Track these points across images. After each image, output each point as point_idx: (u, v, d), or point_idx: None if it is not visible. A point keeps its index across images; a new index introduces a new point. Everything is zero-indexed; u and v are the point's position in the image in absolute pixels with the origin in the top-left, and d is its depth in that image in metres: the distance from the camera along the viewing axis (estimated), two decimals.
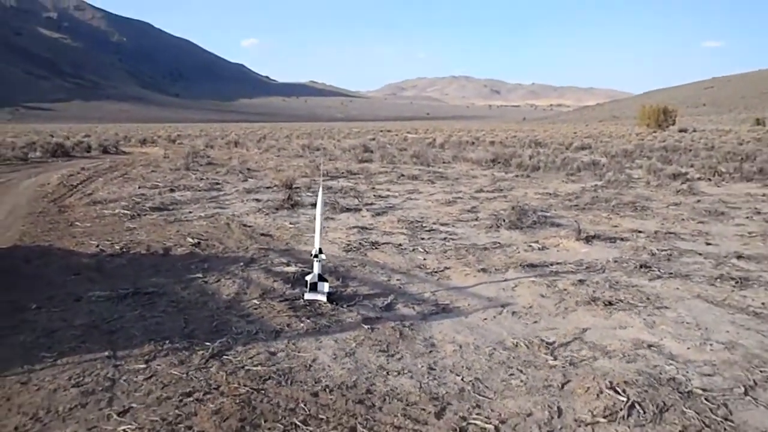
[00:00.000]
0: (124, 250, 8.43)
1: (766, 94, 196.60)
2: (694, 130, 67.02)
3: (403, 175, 18.53)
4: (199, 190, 15.10)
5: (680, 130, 65.79)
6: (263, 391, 4.06)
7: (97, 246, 8.64)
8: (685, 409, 3.80)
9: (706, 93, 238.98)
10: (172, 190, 14.97)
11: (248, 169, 20.94)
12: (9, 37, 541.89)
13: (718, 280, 6.87)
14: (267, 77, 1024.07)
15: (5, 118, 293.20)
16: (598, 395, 3.97)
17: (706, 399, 3.94)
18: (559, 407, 3.88)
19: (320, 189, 6.40)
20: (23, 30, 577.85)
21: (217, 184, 16.49)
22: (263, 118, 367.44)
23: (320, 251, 6.09)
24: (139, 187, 15.51)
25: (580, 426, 3.65)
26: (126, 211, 11.56)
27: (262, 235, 9.60)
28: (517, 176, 18.92)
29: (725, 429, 3.59)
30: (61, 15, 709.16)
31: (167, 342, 4.89)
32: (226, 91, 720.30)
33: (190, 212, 11.76)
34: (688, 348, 4.86)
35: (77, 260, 7.88)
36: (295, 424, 3.64)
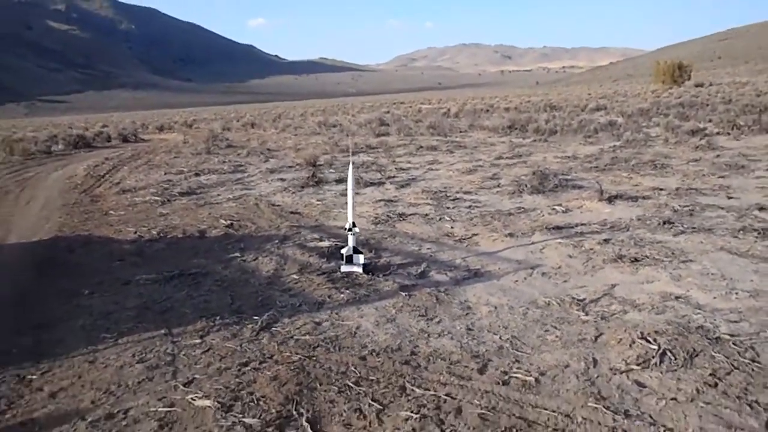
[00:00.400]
0: (162, 234, 8.74)
1: None
2: (711, 84, 66.19)
3: (421, 147, 18.68)
4: (224, 173, 15.39)
5: (696, 85, 65.04)
6: (314, 358, 4.34)
7: (135, 232, 8.96)
8: (714, 354, 4.02)
9: (721, 46, 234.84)
10: (197, 175, 15.27)
11: (268, 149, 21.20)
12: (20, 31, 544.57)
13: (741, 232, 7.04)
14: (277, 56, 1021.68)
15: (22, 112, 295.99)
16: (630, 345, 4.20)
17: (733, 344, 4.16)
18: (594, 358, 4.12)
19: (350, 164, 6.61)
20: (33, 24, 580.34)
21: (240, 166, 16.76)
22: (275, 98, 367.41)
23: (354, 224, 6.34)
24: (164, 174, 15.82)
25: (615, 374, 3.89)
26: (156, 198, 11.88)
27: (291, 213, 9.87)
28: (534, 141, 19.02)
29: (753, 369, 3.81)
30: (70, 6, 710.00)
31: (218, 318, 5.18)
32: (237, 72, 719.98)
33: (218, 195, 12.06)
34: (714, 298, 5.07)
35: (118, 247, 8.21)
36: (348, 385, 3.92)
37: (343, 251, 6.40)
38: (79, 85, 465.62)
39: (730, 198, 8.98)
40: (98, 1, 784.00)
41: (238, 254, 7.37)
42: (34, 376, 4.32)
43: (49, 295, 6.20)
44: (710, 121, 20.97)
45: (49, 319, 5.43)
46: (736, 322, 4.54)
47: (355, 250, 6.33)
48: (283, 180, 13.45)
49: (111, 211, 10.94)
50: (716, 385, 3.66)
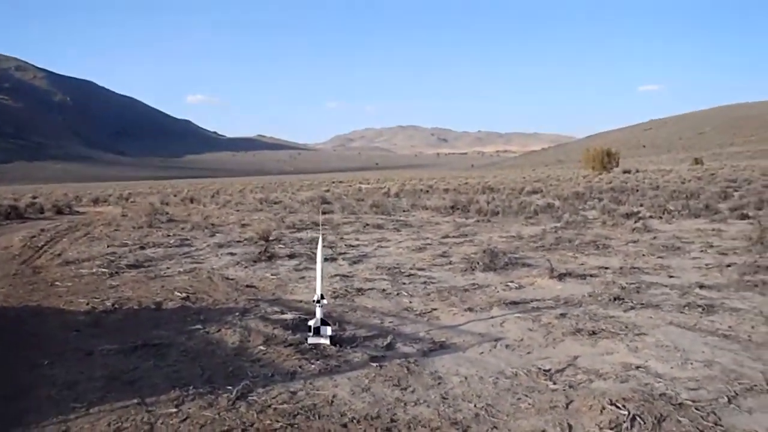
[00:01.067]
0: (116, 306, 8.60)
1: (702, 134, 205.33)
2: (637, 171, 69.66)
3: (368, 225, 18.95)
4: (170, 247, 15.23)
5: (624, 171, 68.29)
6: (296, 426, 4.38)
7: (87, 304, 8.79)
8: (680, 418, 4.27)
9: (646, 135, 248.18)
10: (142, 248, 15.07)
11: (212, 224, 21.07)
12: None
13: (686, 307, 7.46)
14: (215, 132, 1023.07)
15: None
16: (601, 411, 4.41)
17: (696, 408, 4.43)
18: (568, 423, 4.30)
19: (320, 237, 6.79)
20: None
21: (186, 240, 16.62)
22: (213, 174, 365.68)
23: (322, 296, 6.44)
24: (107, 246, 15.54)
25: None
26: (103, 270, 11.67)
27: (247, 286, 9.87)
28: (478, 221, 19.55)
29: None
30: (2, 76, 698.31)
31: (191, 387, 5.15)
32: (173, 147, 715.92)
33: (168, 268, 11.94)
34: (672, 367, 5.37)
35: (72, 318, 8.03)
36: None
37: (311, 323, 6.46)
38: (7, 155, 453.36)
39: (671, 277, 9.49)
40: (32, 71, 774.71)
41: (199, 326, 7.32)
42: None
43: (7, 365, 6.03)
44: (641, 205, 22.07)
45: (12, 390, 5.28)
46: (695, 389, 4.82)
47: (323, 322, 6.41)
48: (233, 254, 13.42)
49: (57, 282, 10.69)
50: None
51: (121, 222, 23.15)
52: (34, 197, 46.21)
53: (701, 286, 8.63)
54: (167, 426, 4.43)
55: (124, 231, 19.52)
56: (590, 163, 77.04)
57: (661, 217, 18.22)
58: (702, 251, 11.79)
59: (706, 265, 10.36)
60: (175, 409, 4.72)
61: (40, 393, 5.18)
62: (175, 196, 45.38)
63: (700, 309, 7.35)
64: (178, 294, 9.24)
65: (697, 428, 4.12)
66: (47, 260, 13.68)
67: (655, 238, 13.76)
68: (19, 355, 6.34)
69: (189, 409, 4.73)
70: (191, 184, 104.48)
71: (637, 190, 30.93)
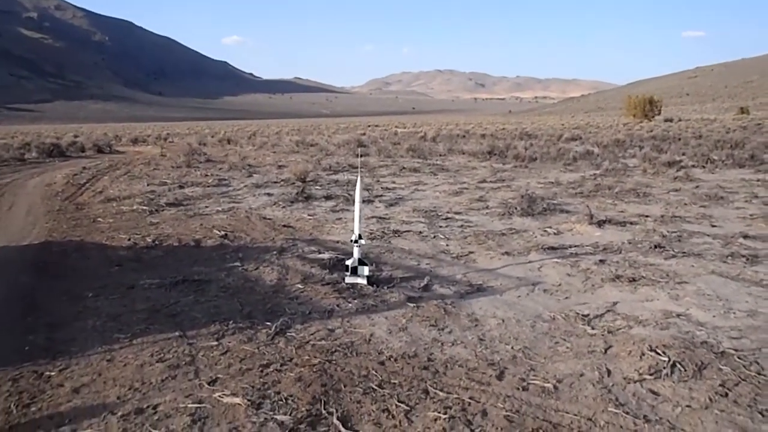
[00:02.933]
0: (157, 242, 8.75)
1: (749, 83, 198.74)
2: (680, 120, 67.81)
3: (404, 168, 18.86)
4: (208, 186, 15.39)
5: (666, 120, 66.56)
6: (334, 362, 4.43)
7: (129, 239, 8.96)
8: (721, 366, 4.21)
9: (690, 83, 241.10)
10: (181, 187, 15.25)
11: (249, 165, 21.20)
12: None
13: (729, 257, 7.30)
14: (251, 74, 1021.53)
15: None
16: (640, 357, 4.37)
17: (738, 358, 4.36)
18: (607, 368, 4.28)
19: (359, 177, 6.73)
20: (3, 31, 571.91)
21: (224, 180, 16.76)
22: (249, 115, 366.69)
23: (360, 236, 6.45)
24: (147, 184, 15.76)
25: (629, 383, 4.05)
26: (144, 207, 11.85)
27: (284, 226, 9.93)
28: (515, 167, 19.32)
29: (760, 381, 4.00)
30: (42, 15, 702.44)
31: (230, 322, 5.25)
32: (210, 88, 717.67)
33: (207, 207, 12.07)
34: (714, 316, 5.28)
35: (114, 253, 8.20)
36: (372, 387, 4.01)
37: (348, 262, 6.50)
38: (49, 95, 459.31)
39: (714, 226, 9.28)
40: (72, 10, 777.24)
41: (238, 263, 7.42)
42: (52, 373, 4.34)
43: (53, 296, 6.20)
44: (684, 154, 21.51)
45: (59, 320, 5.44)
46: (737, 338, 4.74)
47: (360, 262, 6.43)
48: (270, 195, 13.50)
49: (99, 219, 10.90)
50: (727, 394, 3.84)
51: (160, 161, 23.44)
52: (76, 136, 46.88)
53: (745, 236, 8.43)
54: (208, 358, 4.52)
55: (163, 170, 19.77)
56: (631, 110, 75.25)
57: (704, 167, 17.79)
58: (746, 201, 11.50)
59: (751, 215, 10.10)
60: (215, 342, 4.82)
61: (84, 324, 5.32)
62: (212, 137, 45.61)
63: (743, 259, 7.19)
64: (217, 232, 9.34)
65: (739, 377, 4.05)
66: (89, 197, 13.94)
67: (697, 187, 13.45)
68: (64, 287, 6.51)
69: (229, 342, 4.82)
70: (228, 125, 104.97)
71: (680, 139, 30.17)
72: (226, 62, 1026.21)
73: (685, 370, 4.16)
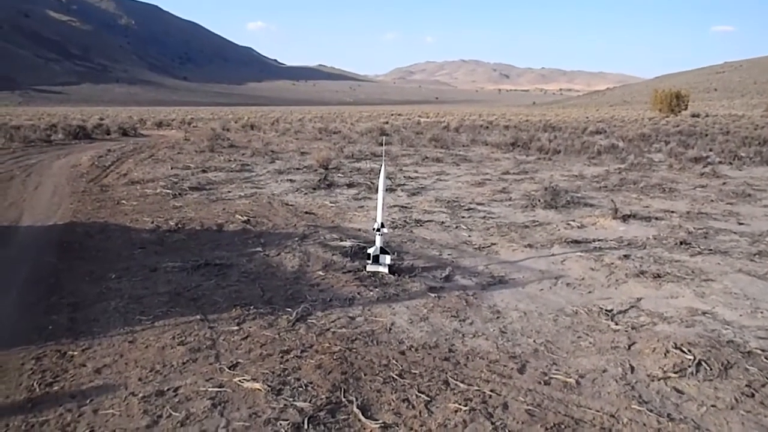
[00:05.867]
0: (179, 226, 8.79)
1: None
2: (707, 115, 66.83)
3: (427, 158, 18.78)
4: (231, 171, 15.44)
5: (693, 115, 65.68)
6: (354, 350, 4.42)
7: (152, 222, 9.02)
8: (747, 367, 4.13)
9: (717, 78, 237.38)
10: (204, 171, 15.31)
11: (272, 151, 21.23)
12: (18, 20, 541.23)
13: (757, 255, 7.18)
14: (275, 60, 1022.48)
15: (16, 101, 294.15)
16: (665, 354, 4.31)
17: (765, 358, 4.28)
18: (630, 365, 4.22)
19: (383, 166, 6.69)
20: (32, 13, 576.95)
21: (247, 165, 16.81)
22: (272, 102, 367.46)
23: (382, 225, 6.42)
24: (171, 168, 15.85)
25: (653, 380, 3.99)
26: (167, 191, 11.92)
27: (306, 213, 9.94)
28: (538, 159, 19.17)
29: None
30: None
31: (251, 307, 5.26)
32: (234, 74, 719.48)
33: (229, 192, 12.11)
34: (740, 315, 5.19)
35: (137, 235, 8.25)
36: (392, 377, 4.00)
37: (370, 251, 6.48)
38: (75, 77, 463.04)
39: (741, 224, 9.14)
40: None
41: (259, 249, 7.44)
42: (74, 353, 4.38)
43: (76, 277, 6.25)
44: (711, 150, 21.20)
45: (81, 300, 5.49)
46: (765, 338, 4.66)
47: (382, 251, 6.41)
48: (292, 181, 13.52)
49: (123, 201, 10.98)
50: (753, 395, 3.77)
51: (184, 146, 23.54)
52: (101, 119, 47.33)
53: None
54: (229, 342, 4.53)
55: (186, 154, 19.86)
56: (658, 104, 74.41)
57: (731, 163, 17.51)
58: None
59: None
60: (236, 327, 4.83)
61: (107, 305, 5.36)
62: (235, 122, 45.74)
63: None
64: (239, 217, 9.38)
65: (766, 378, 3.98)
66: (113, 179, 14.05)
67: (724, 183, 13.25)
68: (88, 268, 6.56)
69: (250, 327, 4.82)
70: (251, 111, 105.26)
71: (707, 135, 29.74)
72: (250, 48, 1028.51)
73: (711, 369, 4.09)
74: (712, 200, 11.14)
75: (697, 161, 17.00)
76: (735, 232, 8.50)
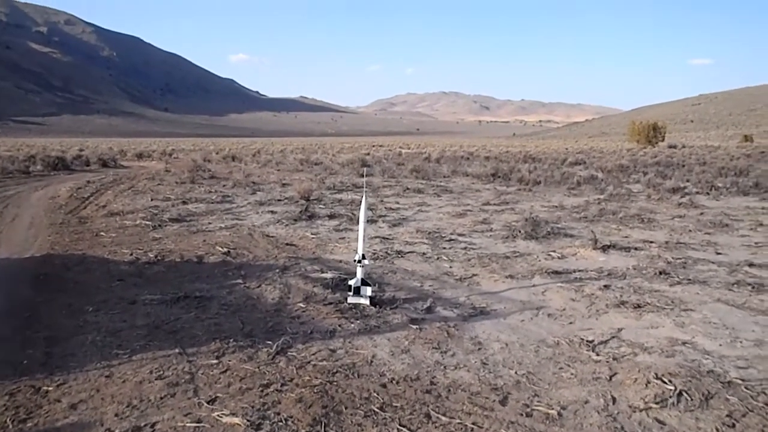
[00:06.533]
0: (159, 258, 8.72)
1: (752, 111, 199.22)
2: (684, 146, 67.81)
3: (408, 189, 18.84)
4: (212, 203, 15.38)
5: (670, 146, 66.61)
6: (335, 383, 4.37)
7: (131, 254, 8.93)
8: (728, 397, 4.14)
9: (694, 110, 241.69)
10: (184, 203, 15.24)
11: (253, 182, 21.21)
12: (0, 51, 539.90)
13: (735, 285, 7.25)
14: (257, 92, 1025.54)
15: None
16: (646, 385, 4.31)
17: (745, 388, 4.29)
18: (612, 396, 4.22)
19: (364, 197, 6.71)
20: (13, 44, 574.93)
21: (227, 196, 16.76)
22: (254, 133, 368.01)
23: (363, 257, 6.41)
24: (151, 200, 15.76)
25: (635, 411, 3.99)
26: (147, 222, 11.84)
27: (287, 244, 9.90)
28: (519, 190, 19.30)
29: (767, 413, 3.93)
30: (51, 30, 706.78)
31: (231, 340, 5.20)
32: (216, 105, 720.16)
33: (210, 223, 12.05)
34: (720, 345, 5.22)
35: (116, 267, 8.17)
36: (374, 410, 3.96)
37: (351, 282, 6.45)
38: (56, 108, 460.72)
39: (719, 253, 9.23)
40: (81, 26, 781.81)
41: (240, 281, 7.38)
42: (49, 388, 4.30)
43: (53, 310, 6.16)
44: (688, 180, 21.50)
45: (57, 334, 5.41)
46: (744, 368, 4.68)
47: (363, 282, 6.39)
48: (273, 213, 13.48)
49: (102, 233, 10.88)
50: (734, 425, 3.78)
51: (165, 177, 23.44)
52: (81, 150, 47.17)
53: (750, 265, 8.37)
54: (208, 376, 4.47)
55: (167, 186, 19.77)
56: (635, 136, 75.45)
57: (708, 194, 17.74)
58: (751, 229, 11.44)
59: (756, 243, 10.05)
60: (215, 361, 4.77)
61: (84, 338, 5.28)
62: (217, 153, 45.76)
63: (749, 287, 7.13)
64: (220, 249, 9.32)
65: (747, 407, 3.99)
66: (92, 211, 13.94)
67: (702, 214, 13.41)
68: (65, 301, 6.47)
69: (229, 361, 4.77)
70: (233, 142, 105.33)
71: (684, 166, 30.17)
72: (232, 80, 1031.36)
73: (692, 400, 4.10)
74: (690, 230, 11.25)
75: (675, 192, 17.21)
76: (713, 262, 8.58)
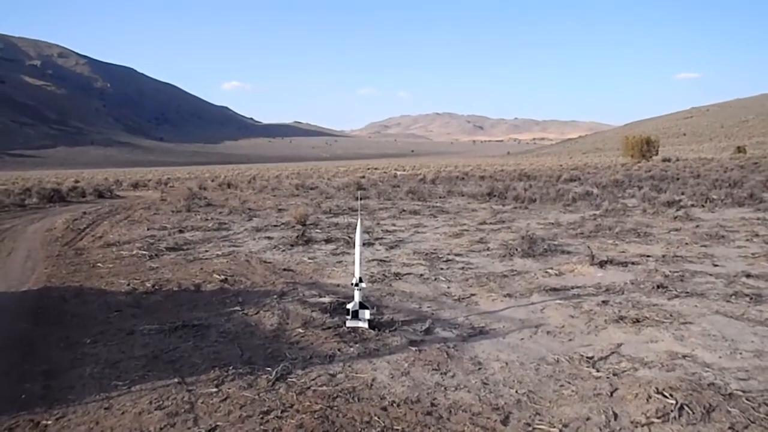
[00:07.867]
0: (156, 287, 8.70)
1: (744, 122, 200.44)
2: (677, 159, 68.28)
3: (404, 211, 18.88)
4: (208, 230, 15.38)
5: (664, 160, 67.01)
6: (336, 408, 4.35)
7: (128, 284, 8.91)
8: (729, 409, 4.13)
9: (686, 123, 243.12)
10: (181, 231, 15.23)
11: (249, 209, 21.23)
12: None
13: (733, 297, 7.26)
14: (251, 119, 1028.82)
15: None
16: (647, 399, 4.30)
17: (747, 399, 4.28)
18: (613, 411, 4.20)
19: (359, 221, 6.72)
20: (7, 78, 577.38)
21: (224, 224, 16.76)
22: (249, 160, 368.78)
23: (360, 280, 6.41)
24: (147, 229, 15.75)
25: (637, 427, 3.98)
26: (143, 252, 11.82)
27: (285, 270, 9.89)
28: (515, 208, 19.35)
29: None
30: (45, 63, 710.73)
31: (230, 368, 5.18)
32: (211, 133, 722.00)
33: (207, 251, 12.04)
34: (720, 357, 5.22)
35: (113, 298, 8.15)
36: None
37: (349, 306, 6.44)
38: (51, 141, 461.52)
39: (716, 265, 9.25)
40: (74, 58, 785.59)
41: (238, 308, 7.36)
42: (48, 422, 4.27)
43: (50, 343, 6.14)
44: (683, 193, 21.60)
45: (56, 367, 5.38)
46: (745, 380, 4.68)
47: (362, 305, 6.38)
48: (270, 238, 13.48)
49: (98, 264, 10.86)
50: None
51: (161, 206, 23.46)
52: (76, 181, 47.14)
53: (748, 275, 8.40)
54: (207, 405, 4.45)
55: (163, 215, 19.77)
56: (629, 151, 75.93)
57: (703, 206, 17.81)
58: (747, 240, 11.48)
59: (753, 254, 10.08)
60: (215, 389, 4.74)
61: (82, 371, 5.25)
62: (212, 181, 45.82)
63: (747, 298, 7.15)
64: (217, 276, 9.30)
65: (749, 419, 3.98)
66: (89, 242, 13.92)
67: (697, 226, 13.45)
68: (62, 333, 6.45)
69: (229, 389, 4.74)
70: (228, 169, 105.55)
71: (678, 179, 30.32)
72: (226, 107, 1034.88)
73: (693, 413, 4.09)
74: (686, 243, 11.28)
75: (670, 205, 17.29)
76: (711, 274, 8.60)
